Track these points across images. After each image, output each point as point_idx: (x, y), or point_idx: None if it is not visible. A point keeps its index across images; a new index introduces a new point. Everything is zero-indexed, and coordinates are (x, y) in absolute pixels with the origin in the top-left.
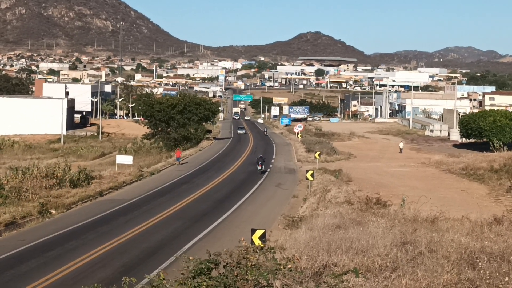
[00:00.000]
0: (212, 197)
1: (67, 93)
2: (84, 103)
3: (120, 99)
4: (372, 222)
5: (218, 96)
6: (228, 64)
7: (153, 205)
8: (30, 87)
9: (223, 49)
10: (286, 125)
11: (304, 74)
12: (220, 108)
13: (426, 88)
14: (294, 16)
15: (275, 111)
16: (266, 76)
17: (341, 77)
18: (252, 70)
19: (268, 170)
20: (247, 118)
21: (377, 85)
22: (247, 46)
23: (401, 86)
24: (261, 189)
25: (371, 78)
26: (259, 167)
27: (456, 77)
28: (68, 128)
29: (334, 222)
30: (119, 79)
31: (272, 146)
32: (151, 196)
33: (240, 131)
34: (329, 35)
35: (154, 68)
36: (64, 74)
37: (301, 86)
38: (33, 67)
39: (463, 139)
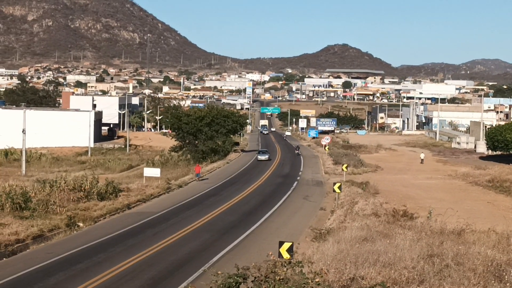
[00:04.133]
0: (240, 209)
1: (94, 106)
2: (111, 115)
3: (148, 112)
4: (399, 235)
5: (246, 108)
6: (256, 76)
7: (181, 218)
8: (57, 99)
9: (251, 62)
10: (314, 138)
11: (332, 86)
12: (247, 120)
13: (453, 100)
14: (322, 29)
15: (302, 123)
16: (294, 89)
17: (368, 90)
18: (280, 82)
19: (298, 178)
20: (273, 129)
21: (404, 97)
22: (275, 58)
23: (428, 99)
24: (289, 201)
25: (398, 90)
26: (296, 151)
27: (482, 90)
28: (95, 141)
29: (361, 235)
30: (147, 91)
31: (299, 159)
32: (179, 208)
33: (261, 157)
34: (356, 48)
35: (181, 80)
36: (91, 86)
37: (328, 98)
38: (60, 79)
39: (490, 151)
